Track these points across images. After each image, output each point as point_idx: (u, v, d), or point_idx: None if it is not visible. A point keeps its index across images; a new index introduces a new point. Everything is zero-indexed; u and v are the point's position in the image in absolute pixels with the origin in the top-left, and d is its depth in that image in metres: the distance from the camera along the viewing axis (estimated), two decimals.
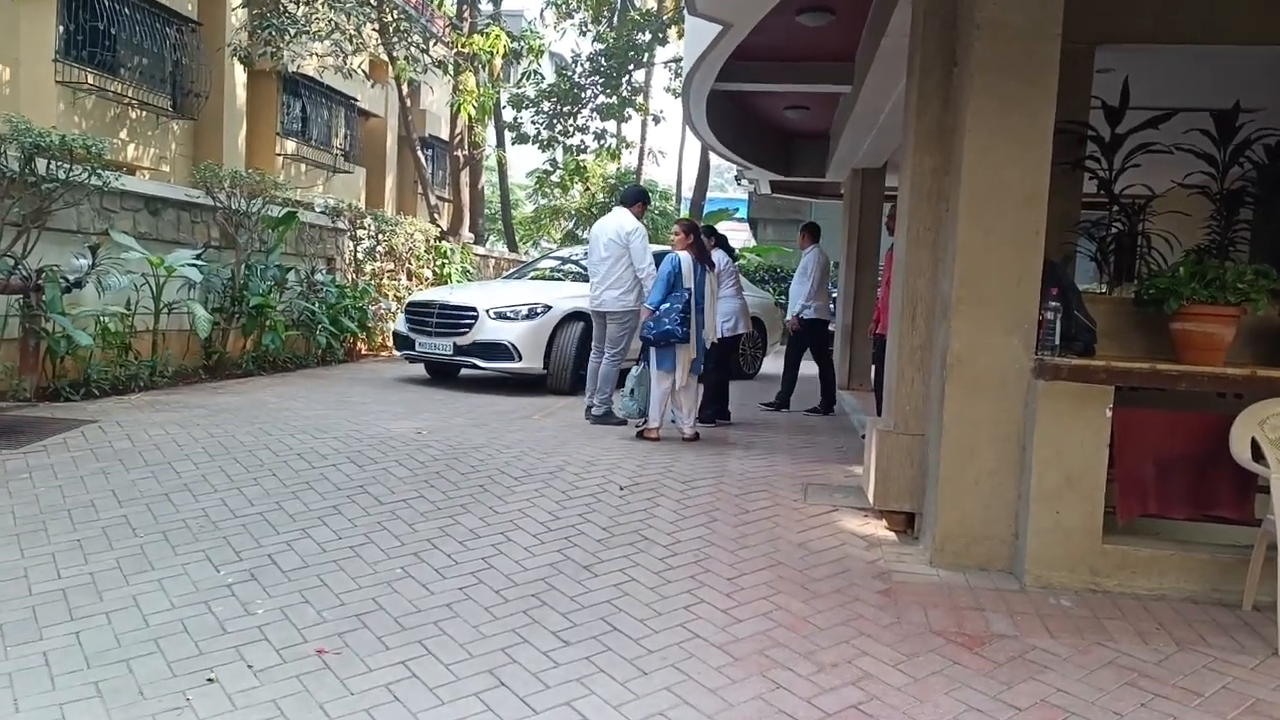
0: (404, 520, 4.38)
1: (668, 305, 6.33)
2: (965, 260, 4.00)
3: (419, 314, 9.15)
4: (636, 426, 6.57)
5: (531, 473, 5.28)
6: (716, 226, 11.86)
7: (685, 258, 6.49)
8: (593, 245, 7.31)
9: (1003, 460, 4.01)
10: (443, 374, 9.65)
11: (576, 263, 11.27)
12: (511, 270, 12.67)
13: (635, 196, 7.41)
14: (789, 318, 8.93)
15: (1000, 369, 4.00)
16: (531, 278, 10.84)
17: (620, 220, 7.19)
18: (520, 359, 8.59)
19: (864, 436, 5.53)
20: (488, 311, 8.73)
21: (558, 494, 4.88)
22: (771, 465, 5.89)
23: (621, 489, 4.99)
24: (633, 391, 6.49)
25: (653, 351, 6.48)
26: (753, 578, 3.86)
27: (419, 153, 15.91)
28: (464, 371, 9.69)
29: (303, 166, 15.67)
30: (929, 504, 4.27)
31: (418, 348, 9.05)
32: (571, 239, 25.46)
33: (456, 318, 8.85)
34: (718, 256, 7.75)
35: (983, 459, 4.03)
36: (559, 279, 10.62)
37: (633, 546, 4.17)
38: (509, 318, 8.71)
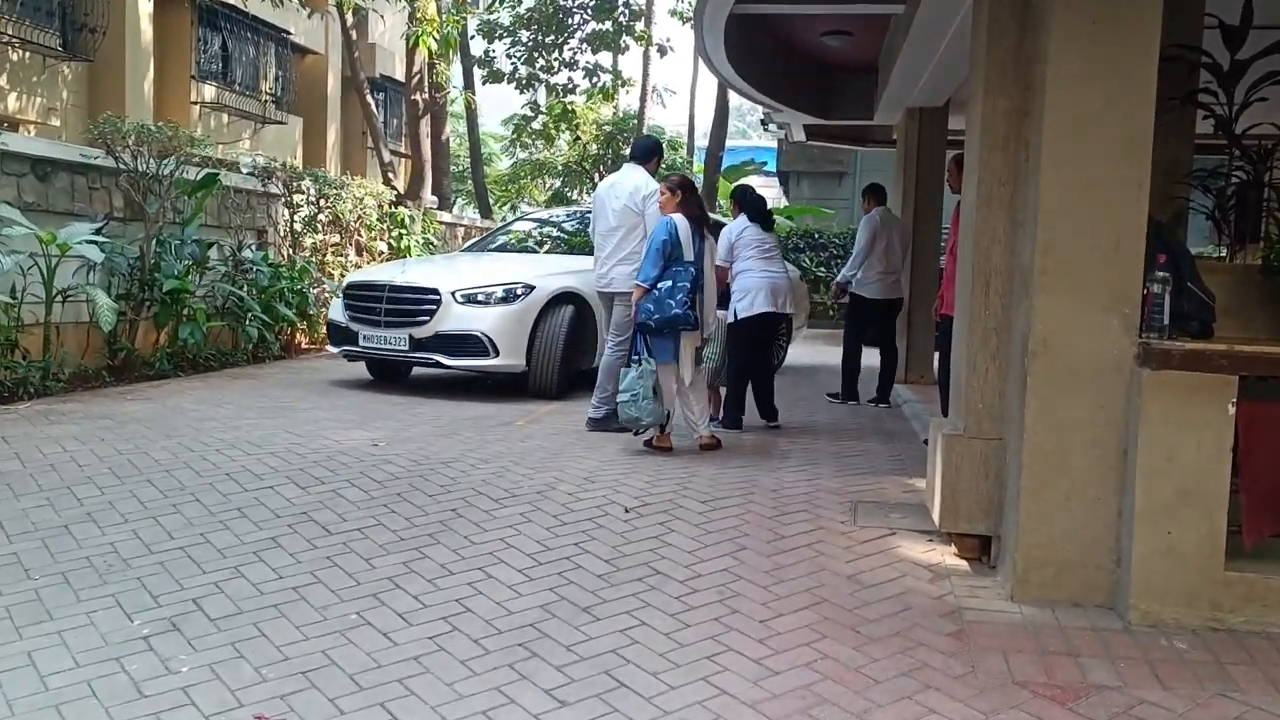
0: (359, 554, 4.40)
1: (670, 283, 6.30)
2: (1050, 222, 3.99)
3: (363, 299, 8.98)
4: (639, 434, 6.55)
5: (515, 493, 5.30)
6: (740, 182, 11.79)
7: (681, 222, 6.49)
8: (598, 211, 7.40)
9: (1100, 469, 4.01)
10: (390, 375, 9.60)
11: (558, 225, 11.25)
12: (475, 239, 12.53)
13: (650, 150, 7.51)
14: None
15: (1096, 356, 4.00)
16: (497, 247, 10.78)
17: (635, 180, 7.23)
18: (496, 354, 8.50)
19: (927, 442, 5.54)
20: (453, 294, 8.62)
21: (548, 518, 4.90)
22: (812, 479, 5.92)
23: (627, 511, 5.03)
24: (637, 396, 6.23)
25: (640, 340, 6.49)
26: (792, 619, 3.85)
27: (368, 97, 15.93)
28: (417, 370, 9.64)
29: (225, 117, 15.69)
30: (1008, 524, 4.27)
31: (361, 342, 8.88)
32: (559, 200, 25.46)
33: (413, 303, 8.73)
34: (737, 224, 7.74)
35: (1075, 468, 4.03)
36: (534, 250, 10.57)
37: (642, 583, 4.18)
38: (480, 302, 8.63)
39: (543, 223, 11.85)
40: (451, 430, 6.97)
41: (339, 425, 6.96)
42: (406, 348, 8.66)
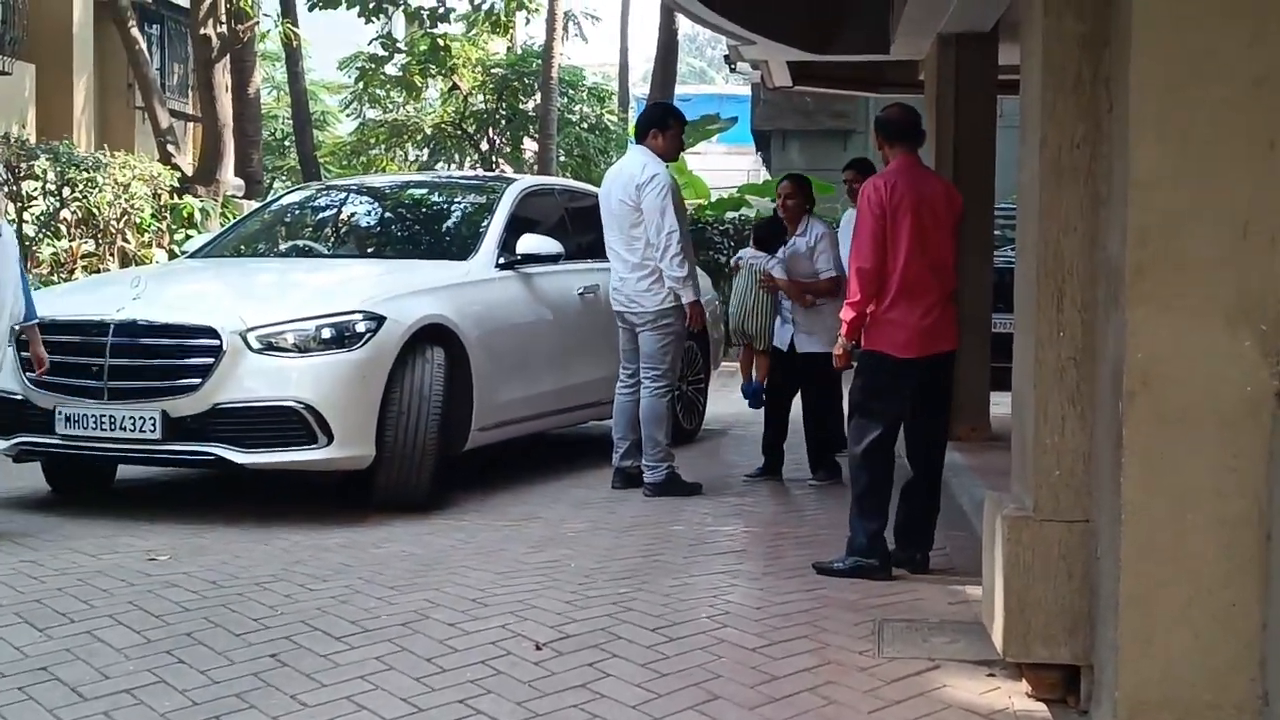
0: None
1: None
2: (1147, 198, 3.41)
3: (61, 347, 6.07)
4: None
5: (368, 626, 4.50)
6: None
7: None
8: (603, 210, 6.95)
9: (1234, 560, 3.41)
10: (84, 481, 6.75)
11: (393, 201, 8.53)
12: (218, 233, 8.86)
13: (648, 122, 7.05)
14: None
15: (1220, 394, 3.42)
16: (245, 243, 7.82)
17: (630, 166, 6.86)
18: (327, 439, 5.90)
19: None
20: (244, 335, 5.90)
21: (419, 664, 4.13)
22: (814, 586, 5.17)
23: (539, 648, 4.34)
24: None
25: None
26: None
27: (134, 31, 13.88)
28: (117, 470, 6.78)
29: None
30: (1103, 648, 3.67)
31: (61, 428, 5.99)
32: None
33: (166, 352, 6.06)
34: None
35: (1198, 559, 3.43)
36: (325, 253, 7.76)
37: None
38: (295, 348, 6.00)
39: (343, 194, 8.75)
40: (267, 530, 5.80)
41: (95, 530, 5.78)
42: (157, 434, 5.87)
